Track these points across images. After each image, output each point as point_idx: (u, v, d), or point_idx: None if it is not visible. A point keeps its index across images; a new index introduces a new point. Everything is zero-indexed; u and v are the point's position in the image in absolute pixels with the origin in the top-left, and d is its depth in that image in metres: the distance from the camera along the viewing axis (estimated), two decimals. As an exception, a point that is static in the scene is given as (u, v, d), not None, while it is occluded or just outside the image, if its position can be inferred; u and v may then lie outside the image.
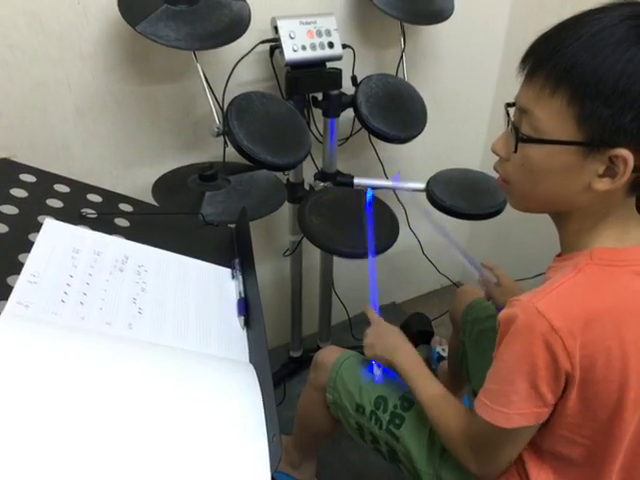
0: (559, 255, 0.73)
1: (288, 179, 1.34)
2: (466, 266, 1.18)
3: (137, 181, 1.23)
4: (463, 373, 1.17)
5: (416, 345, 0.98)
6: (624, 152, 0.57)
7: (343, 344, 1.77)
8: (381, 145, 1.47)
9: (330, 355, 1.05)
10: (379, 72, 1.35)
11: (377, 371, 0.95)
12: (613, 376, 0.61)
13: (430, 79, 1.54)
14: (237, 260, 0.77)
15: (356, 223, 1.15)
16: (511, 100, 0.68)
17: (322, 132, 1.35)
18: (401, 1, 1.25)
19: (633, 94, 0.55)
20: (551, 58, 0.59)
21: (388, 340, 0.93)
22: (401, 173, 1.63)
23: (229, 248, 0.82)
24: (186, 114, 1.24)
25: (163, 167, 1.16)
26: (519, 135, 0.63)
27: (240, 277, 0.75)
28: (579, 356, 0.59)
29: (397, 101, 1.32)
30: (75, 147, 1.16)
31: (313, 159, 1.38)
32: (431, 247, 1.75)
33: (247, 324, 0.68)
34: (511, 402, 0.63)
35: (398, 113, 1.31)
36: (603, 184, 0.60)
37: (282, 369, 1.63)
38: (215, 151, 1.26)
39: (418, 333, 1.71)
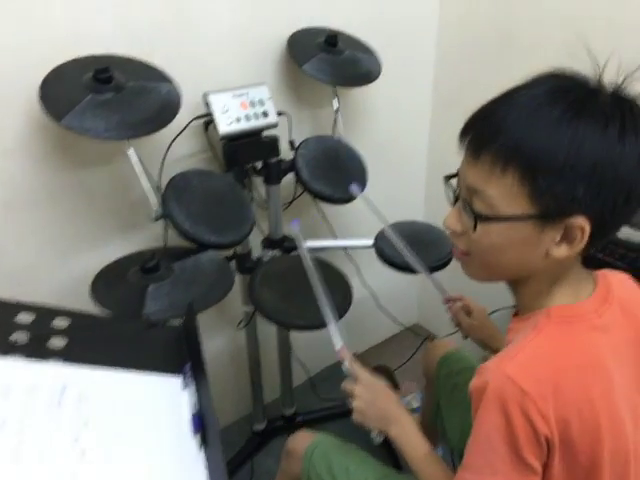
0: (515, 314, 0.73)
1: (235, 251, 1.31)
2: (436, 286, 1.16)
3: (76, 271, 1.17)
4: (438, 428, 1.15)
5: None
6: (580, 220, 0.58)
7: (308, 408, 1.74)
8: (325, 204, 1.46)
9: (301, 442, 1.01)
10: (315, 134, 1.35)
11: (377, 438, 0.90)
12: (586, 436, 0.60)
13: (366, 135, 1.56)
14: (188, 366, 0.73)
15: (309, 291, 1.12)
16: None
17: (265, 198, 1.33)
18: (330, 66, 1.27)
19: (584, 166, 0.56)
20: (495, 138, 0.60)
21: (382, 408, 0.86)
22: (348, 230, 1.63)
23: (177, 350, 0.77)
24: (123, 198, 1.20)
25: (103, 253, 1.11)
26: (476, 215, 0.63)
27: (192, 386, 0.70)
28: (554, 419, 0.59)
29: (336, 161, 1.33)
30: (7, 244, 1.09)
31: (259, 225, 1.35)
32: (385, 296, 1.75)
33: (204, 442, 0.64)
34: (497, 471, 0.62)
35: (339, 173, 1.31)
36: (561, 251, 0.61)
37: (247, 445, 1.55)
38: (157, 232, 1.22)
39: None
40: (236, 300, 1.41)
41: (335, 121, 1.40)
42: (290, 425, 1.63)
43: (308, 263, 0.98)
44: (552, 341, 0.63)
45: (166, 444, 0.62)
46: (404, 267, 1.26)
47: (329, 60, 1.27)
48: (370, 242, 1.33)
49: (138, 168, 1.02)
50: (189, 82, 1.12)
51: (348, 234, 1.59)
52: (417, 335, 1.99)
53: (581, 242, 0.60)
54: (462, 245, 0.69)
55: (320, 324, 1.05)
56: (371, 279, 1.66)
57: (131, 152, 1.00)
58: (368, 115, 1.56)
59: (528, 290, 0.69)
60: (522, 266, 0.65)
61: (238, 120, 1.18)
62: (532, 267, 0.65)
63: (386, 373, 1.75)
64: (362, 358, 1.91)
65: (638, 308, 0.71)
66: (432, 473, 0.79)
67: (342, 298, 1.11)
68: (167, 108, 0.99)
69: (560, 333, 0.63)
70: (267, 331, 1.52)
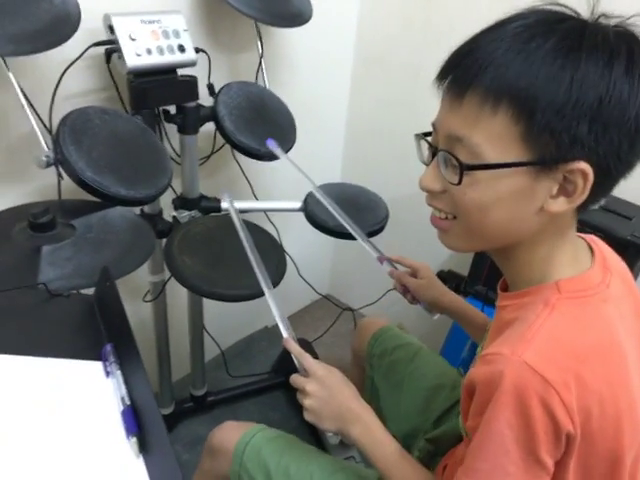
0: (505, 290, 0.65)
1: (142, 210, 1.11)
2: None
3: None
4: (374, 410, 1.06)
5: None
6: (583, 165, 0.51)
7: (220, 387, 1.59)
8: (245, 160, 1.31)
9: (228, 438, 0.87)
10: (237, 79, 1.18)
11: (334, 439, 0.78)
12: (608, 426, 0.54)
13: (289, 88, 1.41)
14: (109, 347, 0.56)
15: (236, 256, 0.98)
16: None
17: (178, 151, 1.14)
18: (257, 0, 1.10)
19: (588, 101, 0.49)
20: (484, 72, 0.51)
21: (339, 406, 0.74)
22: (270, 190, 1.49)
23: (91, 327, 0.60)
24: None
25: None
26: (461, 164, 0.54)
27: (118, 372, 0.54)
28: (576, 409, 0.51)
29: (263, 113, 1.17)
30: None
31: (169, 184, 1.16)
32: (301, 264, 1.64)
33: (142, 445, 0.48)
34: (508, 475, 0.53)
35: (265, 126, 1.16)
36: (558, 205, 0.54)
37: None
38: (44, 185, 0.99)
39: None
40: (140, 268, 1.21)
41: (259, 68, 1.24)
42: (200, 407, 1.48)
43: (242, 230, 0.83)
44: (569, 320, 0.55)
45: (88, 456, 0.45)
46: (336, 232, 1.16)
47: (255, -7, 1.10)
48: (298, 205, 1.21)
49: (23, 99, 0.79)
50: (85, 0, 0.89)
51: (268, 196, 1.45)
52: (332, 305, 1.92)
53: (582, 193, 0.52)
54: (442, 206, 0.60)
55: (259, 293, 0.91)
56: (288, 245, 1.54)
57: (12, 77, 0.78)
58: (290, 66, 1.42)
59: (521, 259, 0.60)
60: (512, 226, 0.57)
61: (149, 52, 0.98)
62: (523, 227, 0.57)
63: (305, 346, 1.65)
64: (273, 331, 1.80)
65: (628, 275, 0.66)
66: (405, 475, 0.69)
67: (275, 265, 0.98)
68: (63, 22, 0.78)
69: (575, 309, 0.56)
70: (176, 303, 1.34)
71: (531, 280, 0.60)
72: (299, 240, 1.63)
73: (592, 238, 0.65)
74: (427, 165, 0.61)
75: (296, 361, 0.78)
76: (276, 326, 0.83)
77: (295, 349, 0.77)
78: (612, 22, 0.52)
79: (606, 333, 0.55)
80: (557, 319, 0.54)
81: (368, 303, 1.76)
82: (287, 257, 1.50)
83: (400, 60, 1.50)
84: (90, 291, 0.69)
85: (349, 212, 1.20)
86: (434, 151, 0.59)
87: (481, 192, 0.54)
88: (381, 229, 1.17)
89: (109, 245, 0.76)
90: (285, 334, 0.81)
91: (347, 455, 1.30)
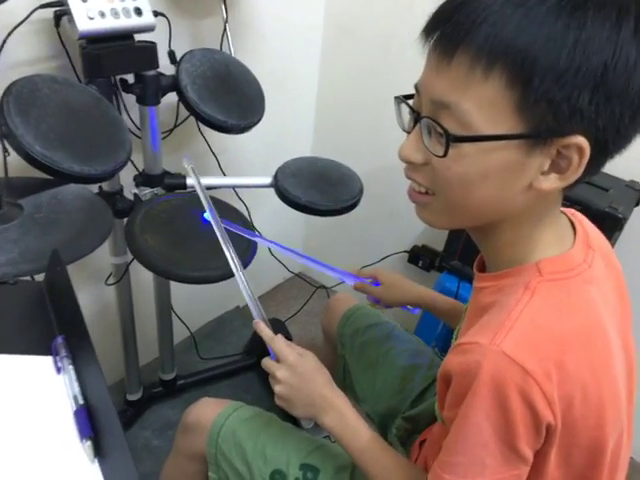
0: (482, 270, 0.62)
1: (101, 188, 1.04)
2: (337, 277, 1.04)
3: None
4: (346, 392, 1.03)
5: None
6: (580, 140, 0.46)
7: (190, 370, 1.54)
8: (211, 134, 1.24)
9: (204, 414, 0.83)
10: (200, 47, 1.11)
11: (307, 424, 0.76)
12: (590, 414, 0.51)
13: (256, 55, 1.34)
14: (60, 339, 0.51)
15: (203, 236, 0.93)
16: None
17: (138, 124, 1.07)
18: (219, -41, 1.03)
19: (592, 67, 0.44)
20: (477, 30, 0.45)
21: (311, 393, 0.71)
22: (238, 165, 1.42)
23: (41, 316, 0.54)
24: None
25: None
26: (447, 134, 0.49)
27: (70, 368, 0.48)
28: (557, 401, 0.48)
29: (229, 82, 1.10)
30: None
31: (130, 159, 1.09)
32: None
33: (97, 449, 0.44)
34: (486, 467, 0.50)
35: (232, 97, 1.09)
36: (549, 182, 0.50)
37: (119, 417, 1.32)
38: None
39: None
40: (101, 250, 1.15)
41: (224, 34, 1.17)
42: (170, 391, 1.43)
43: (208, 205, 0.77)
44: (550, 304, 0.51)
45: (38, 462, 0.41)
46: (308, 208, 1.11)
47: (218, -48, 1.03)
48: (268, 180, 1.15)
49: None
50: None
51: (237, 172, 1.39)
52: (305, 283, 1.88)
53: (576, 170, 0.48)
54: (423, 180, 0.55)
55: (222, 275, 0.87)
56: (259, 222, 1.49)
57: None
58: (257, 33, 1.34)
59: (503, 239, 0.56)
60: (497, 204, 0.53)
61: (102, 15, 0.90)
62: (509, 205, 0.53)
63: (278, 325, 1.61)
64: (245, 311, 1.75)
65: (610, 251, 0.63)
66: (381, 464, 0.66)
67: (246, 245, 0.93)
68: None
69: (556, 292, 0.52)
70: (142, 285, 1.28)
71: (512, 260, 0.56)
72: (270, 217, 1.58)
73: (573, 212, 0.62)
74: (408, 133, 0.55)
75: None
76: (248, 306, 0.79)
77: (266, 333, 0.74)
78: None
79: (589, 317, 0.52)
80: (538, 304, 0.51)
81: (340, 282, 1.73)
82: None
83: (371, 28, 1.44)
84: (41, 277, 0.63)
85: (322, 187, 1.16)
86: (416, 117, 0.53)
87: (467, 166, 0.50)
88: (355, 204, 1.13)
89: (61, 226, 0.70)
90: (256, 316, 0.77)
91: (324, 434, 1.28)
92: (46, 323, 0.54)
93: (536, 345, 0.49)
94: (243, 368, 1.54)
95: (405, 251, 1.64)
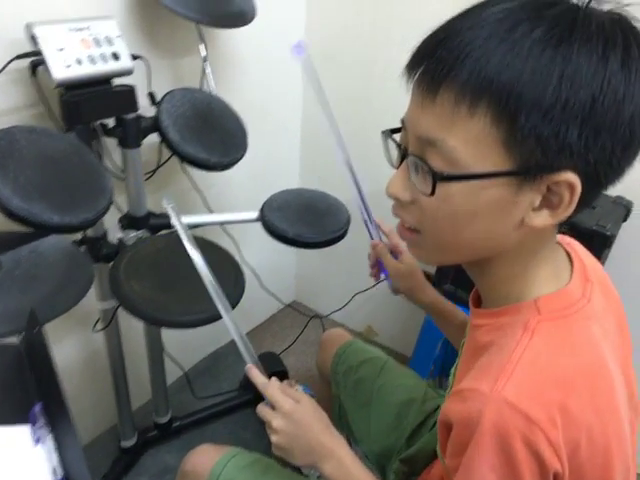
0: (477, 306, 0.61)
1: (84, 234, 1.03)
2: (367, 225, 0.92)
3: None
4: (343, 432, 1.00)
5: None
6: (570, 176, 0.45)
7: (186, 410, 1.50)
8: (196, 170, 1.23)
9: (202, 463, 0.81)
10: (180, 86, 1.11)
11: (312, 473, 0.73)
12: (597, 458, 0.49)
13: (238, 90, 1.34)
14: (38, 407, 0.49)
15: (190, 277, 0.91)
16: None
17: (121, 166, 1.06)
18: (196, 0, 1.03)
19: (580, 101, 0.43)
20: (460, 66, 0.44)
21: (309, 441, 0.68)
22: (224, 200, 1.41)
23: (18, 384, 0.52)
24: None
25: None
26: (434, 173, 0.48)
27: (49, 437, 0.46)
28: (563, 444, 0.46)
29: (210, 120, 1.10)
30: None
31: (114, 201, 1.08)
32: (264, 273, 1.58)
33: (79, 526, 0.41)
34: None
35: (214, 134, 1.09)
36: (541, 219, 0.48)
37: (114, 466, 1.29)
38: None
39: (272, 375, 1.52)
40: (89, 295, 1.13)
41: (204, 72, 1.17)
42: (166, 434, 1.40)
43: (191, 246, 0.75)
44: (550, 345, 0.50)
45: None
46: (297, 241, 1.10)
47: (193, -7, 1.03)
48: (255, 215, 1.15)
49: None
50: (5, 8, 0.81)
51: (223, 207, 1.38)
52: (299, 313, 1.86)
53: (568, 207, 0.47)
54: (411, 218, 0.53)
55: (209, 318, 0.85)
56: (249, 256, 1.48)
57: None
58: (238, 69, 1.35)
59: (497, 275, 0.55)
60: (488, 241, 0.51)
61: (79, 62, 0.90)
62: (501, 242, 0.51)
63: (273, 359, 1.59)
64: (276, 359, 1.68)
65: (607, 281, 0.62)
66: None
67: (233, 284, 0.92)
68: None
69: (557, 332, 0.50)
70: (131, 327, 1.26)
71: (508, 296, 0.55)
72: (260, 250, 1.57)
73: (568, 242, 0.60)
74: (396, 168, 0.54)
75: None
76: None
77: (259, 380, 0.71)
78: (605, 7, 0.46)
79: (591, 356, 0.51)
80: (538, 346, 0.49)
81: (336, 308, 1.71)
82: (248, 269, 1.45)
83: (352, 55, 1.45)
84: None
85: (309, 219, 1.15)
86: (404, 153, 0.52)
87: (456, 205, 0.48)
88: (343, 235, 1.12)
89: (40, 282, 0.68)
90: (248, 361, 0.75)
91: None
92: (25, 388, 0.52)
93: (539, 390, 0.47)
94: (240, 405, 1.51)
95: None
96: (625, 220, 1.10)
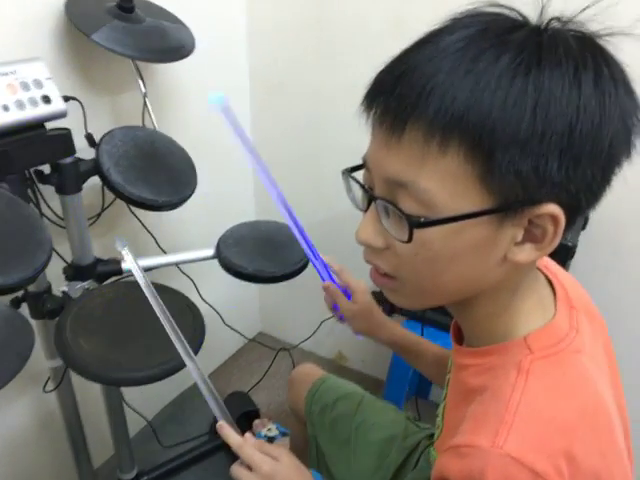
0: (458, 339, 0.57)
1: (26, 290, 0.96)
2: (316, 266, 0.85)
3: None
4: (324, 475, 0.95)
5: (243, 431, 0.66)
6: (552, 208, 0.42)
7: (153, 462, 1.40)
8: (145, 212, 1.18)
9: None
10: (121, 125, 1.06)
11: None
12: None
13: (182, 125, 1.30)
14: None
15: (143, 328, 0.85)
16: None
17: (61, 214, 1.00)
18: (128, 36, 0.99)
19: (557, 131, 0.40)
20: (425, 102, 0.40)
21: None
22: (178, 239, 1.36)
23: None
24: None
25: None
26: (409, 219, 0.44)
27: None
28: None
29: (155, 158, 1.05)
30: None
31: (57, 252, 1.01)
32: (226, 309, 1.52)
33: None
34: None
35: (161, 173, 1.04)
36: (525, 253, 0.45)
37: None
38: None
39: (243, 416, 1.46)
40: (37, 352, 1.05)
41: (144, 109, 1.12)
42: (133, 491, 1.31)
43: (150, 293, 0.69)
44: (547, 387, 0.47)
45: None
46: (255, 277, 1.05)
47: (126, 29, 0.99)
48: (211, 252, 1.10)
49: None
50: None
51: (177, 247, 1.32)
52: (264, 346, 1.80)
53: (553, 240, 0.44)
54: (386, 265, 0.49)
55: (174, 368, 0.79)
56: (208, 293, 1.42)
57: None
58: (181, 103, 1.30)
59: (479, 312, 0.52)
60: (470, 282, 0.48)
61: (6, 109, 0.84)
62: (483, 281, 0.48)
63: (244, 399, 1.52)
64: (245, 398, 1.60)
65: (589, 302, 0.59)
66: None
67: (193, 330, 0.86)
68: None
69: (552, 370, 0.48)
70: (87, 382, 1.18)
71: (494, 333, 0.52)
72: (220, 285, 1.51)
73: (545, 264, 0.57)
74: (363, 211, 0.50)
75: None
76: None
77: (233, 440, 0.64)
78: (565, 25, 0.43)
79: (588, 394, 0.48)
80: (535, 389, 0.46)
81: (304, 337, 1.67)
82: (209, 307, 1.39)
83: (299, 82, 1.43)
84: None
85: (267, 253, 1.11)
86: (370, 197, 0.48)
87: (435, 250, 0.45)
88: (304, 266, 1.08)
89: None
90: (218, 417, 0.68)
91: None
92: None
93: (542, 440, 0.44)
94: (210, 451, 1.43)
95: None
96: (584, 229, 1.11)
